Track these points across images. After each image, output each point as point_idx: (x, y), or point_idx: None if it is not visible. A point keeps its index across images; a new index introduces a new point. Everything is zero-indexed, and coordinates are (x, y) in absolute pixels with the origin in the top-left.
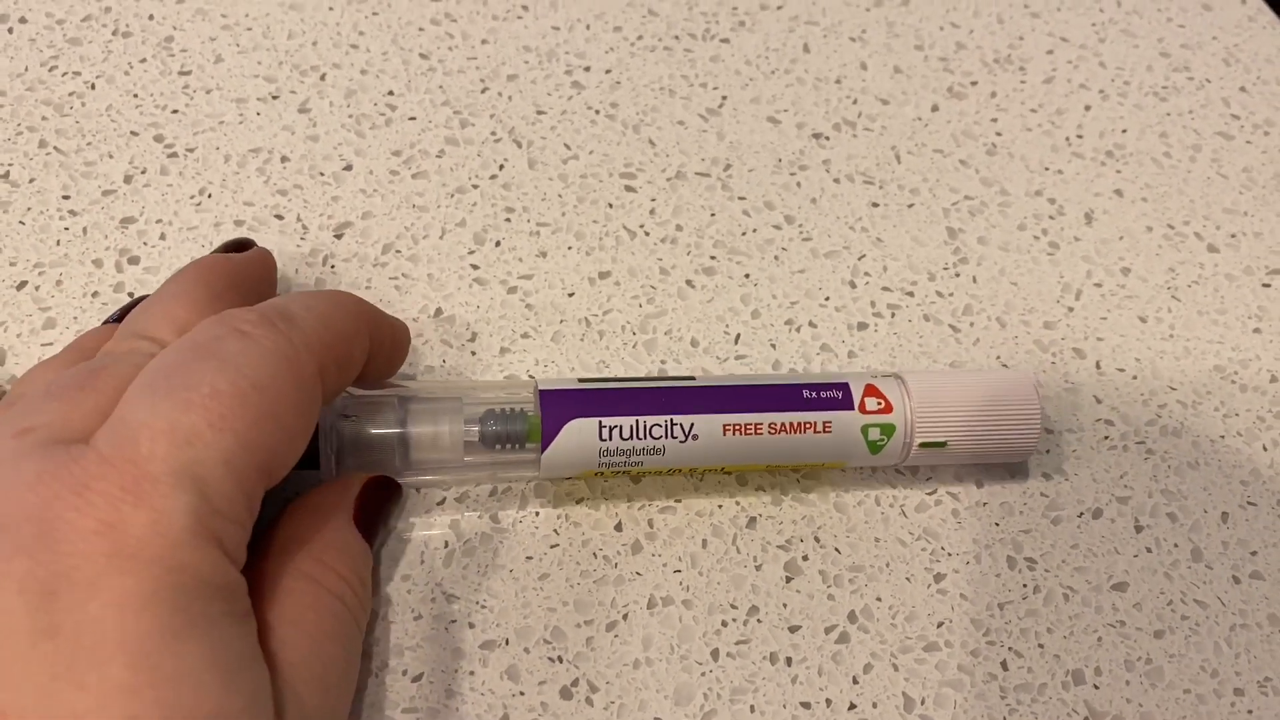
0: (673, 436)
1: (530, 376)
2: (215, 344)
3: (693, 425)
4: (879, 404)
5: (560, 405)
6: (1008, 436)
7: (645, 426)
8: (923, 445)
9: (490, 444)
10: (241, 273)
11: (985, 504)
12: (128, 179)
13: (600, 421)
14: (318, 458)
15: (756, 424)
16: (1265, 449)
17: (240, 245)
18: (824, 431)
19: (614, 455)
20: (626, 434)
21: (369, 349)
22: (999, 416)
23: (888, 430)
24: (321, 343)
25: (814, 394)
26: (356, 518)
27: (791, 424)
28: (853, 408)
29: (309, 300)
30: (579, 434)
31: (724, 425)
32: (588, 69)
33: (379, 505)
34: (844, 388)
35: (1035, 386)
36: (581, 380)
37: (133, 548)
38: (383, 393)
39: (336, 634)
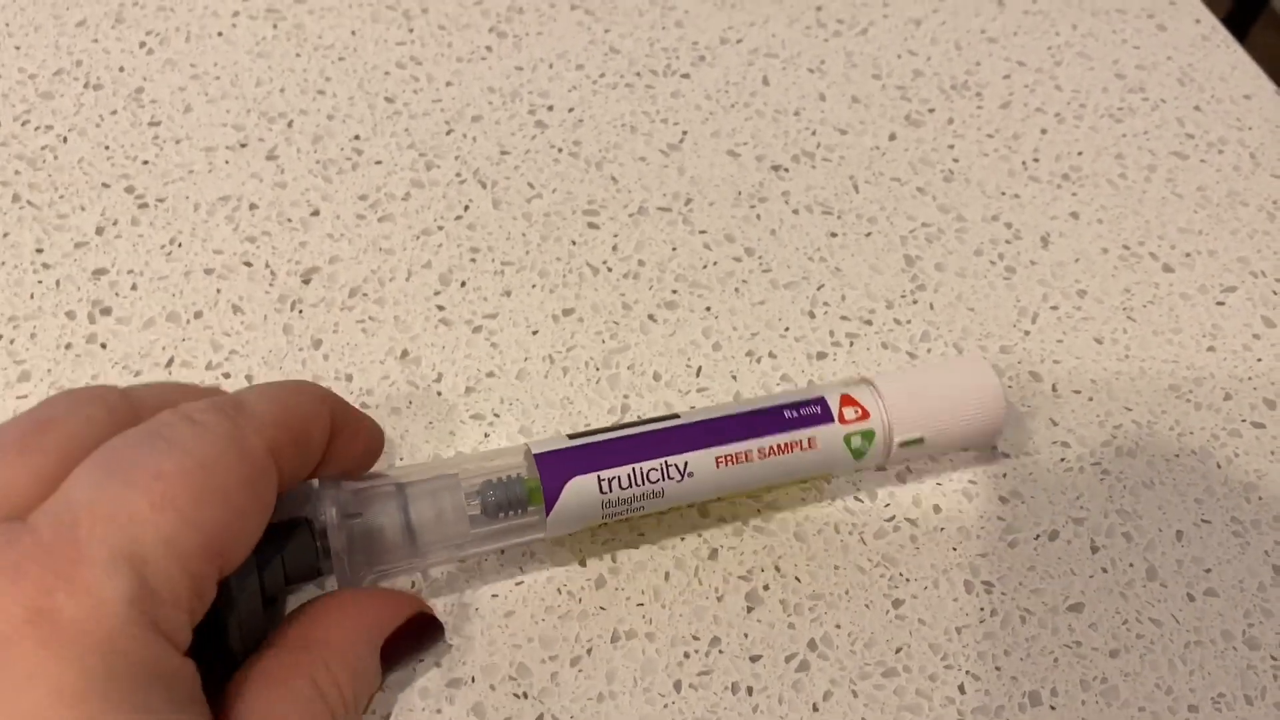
0: (669, 478)
1: (523, 440)
2: (165, 429)
3: (687, 463)
4: (856, 412)
5: (557, 466)
6: (977, 419)
7: (642, 473)
8: (903, 444)
9: (493, 513)
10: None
11: (942, 529)
12: (99, 230)
13: (599, 475)
14: (316, 569)
15: (746, 451)
16: (1219, 466)
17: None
18: (810, 448)
19: (616, 505)
20: (625, 483)
21: (330, 428)
22: (966, 402)
23: (868, 436)
24: (273, 422)
25: (794, 413)
26: (387, 644)
27: (779, 446)
28: (833, 420)
29: (263, 388)
30: (580, 491)
31: (716, 458)
32: (550, 108)
33: (416, 640)
34: (821, 402)
35: (991, 367)
36: (571, 436)
37: (67, 635)
38: (379, 482)
39: None
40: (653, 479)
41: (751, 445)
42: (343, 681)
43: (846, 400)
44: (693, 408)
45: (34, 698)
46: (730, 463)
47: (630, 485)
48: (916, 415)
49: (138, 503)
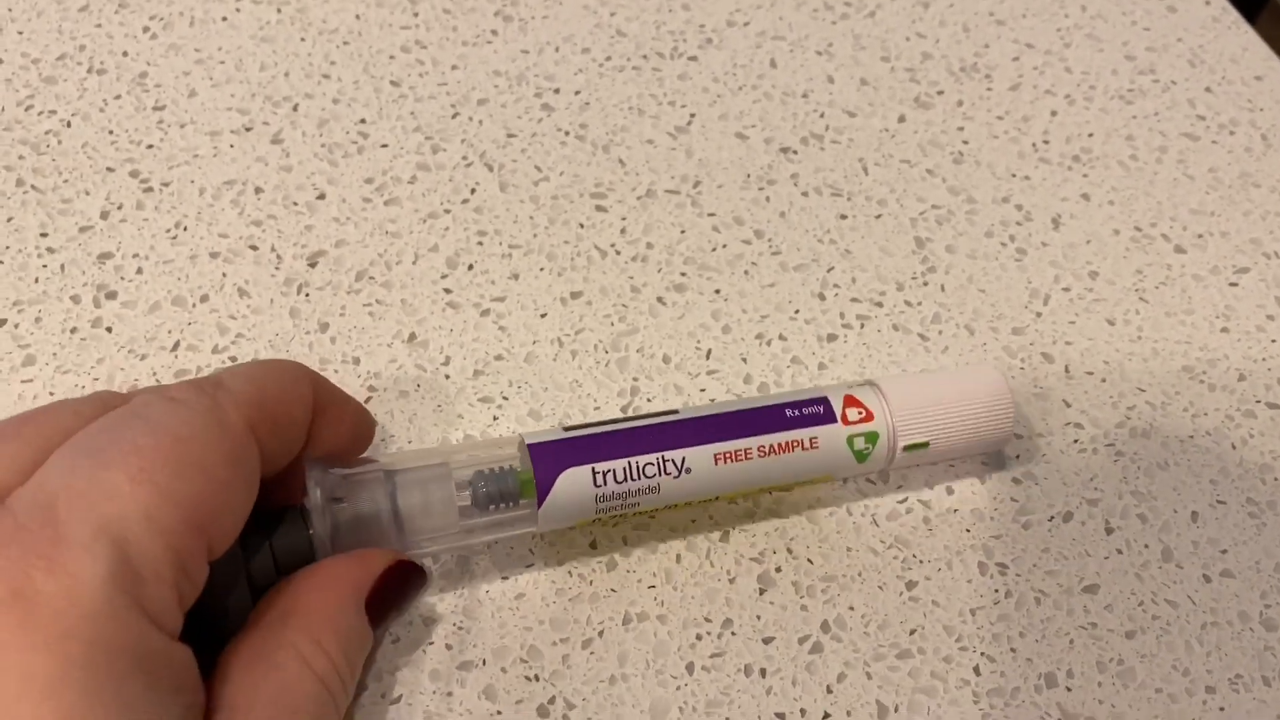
0: (666, 473)
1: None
2: (141, 408)
3: (684, 459)
4: (860, 413)
5: (551, 457)
6: (985, 427)
7: (638, 467)
8: (907, 448)
9: (484, 505)
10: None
11: (956, 510)
12: (104, 215)
13: (593, 468)
14: (309, 557)
15: (746, 449)
16: (1234, 447)
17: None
18: (811, 448)
19: (610, 500)
20: (620, 477)
21: (313, 407)
22: (974, 409)
23: (871, 438)
24: (250, 400)
25: (796, 411)
26: (370, 600)
27: (779, 445)
28: (836, 420)
29: (242, 366)
30: (573, 483)
31: (715, 455)
32: (557, 91)
33: (400, 591)
34: (824, 402)
35: (1003, 375)
36: (566, 429)
37: (43, 619)
38: (368, 468)
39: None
40: (649, 474)
41: (751, 443)
42: (330, 647)
43: (850, 401)
44: (704, 390)
45: (5, 688)
46: (729, 460)
47: (625, 479)
48: (922, 419)
49: (115, 479)
